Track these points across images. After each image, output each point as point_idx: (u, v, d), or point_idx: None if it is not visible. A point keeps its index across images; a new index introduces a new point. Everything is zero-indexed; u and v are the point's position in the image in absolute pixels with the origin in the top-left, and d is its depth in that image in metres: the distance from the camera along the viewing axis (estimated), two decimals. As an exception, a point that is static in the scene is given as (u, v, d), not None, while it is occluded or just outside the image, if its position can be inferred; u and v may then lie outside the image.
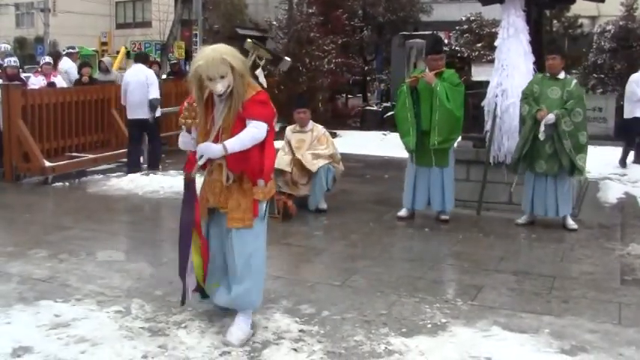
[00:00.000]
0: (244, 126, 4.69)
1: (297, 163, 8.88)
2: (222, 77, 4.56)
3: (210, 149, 4.66)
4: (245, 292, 4.89)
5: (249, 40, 5.23)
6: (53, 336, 4.89)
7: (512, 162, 8.21)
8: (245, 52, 4.99)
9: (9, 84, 11.34)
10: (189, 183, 4.90)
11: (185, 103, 4.77)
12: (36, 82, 12.78)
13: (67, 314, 5.27)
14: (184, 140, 4.94)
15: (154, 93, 11.74)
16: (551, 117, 7.79)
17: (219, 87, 4.59)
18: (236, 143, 4.64)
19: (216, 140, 4.72)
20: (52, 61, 13.75)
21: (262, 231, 4.99)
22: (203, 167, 4.82)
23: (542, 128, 7.79)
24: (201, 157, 4.71)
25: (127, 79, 11.95)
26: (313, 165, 8.75)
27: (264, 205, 4.93)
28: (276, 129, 15.76)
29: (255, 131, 4.68)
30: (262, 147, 4.79)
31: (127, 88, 11.77)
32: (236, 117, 4.70)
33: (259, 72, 5.12)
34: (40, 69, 13.54)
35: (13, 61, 12.20)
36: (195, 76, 4.61)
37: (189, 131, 4.85)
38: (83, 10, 45.41)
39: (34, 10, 48.99)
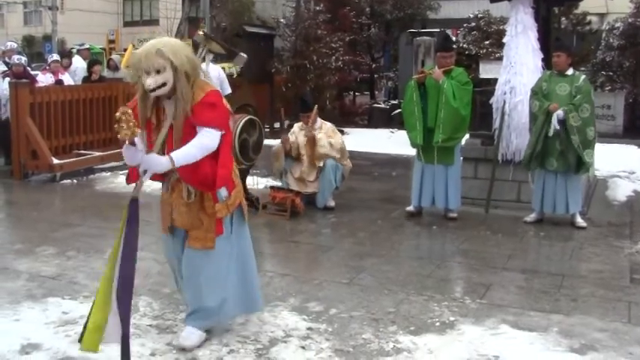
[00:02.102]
0: (195, 133, 4.23)
1: (311, 141, 8.83)
2: (158, 72, 4.07)
3: (154, 162, 4.11)
4: (202, 312, 4.66)
5: (200, 32, 5.10)
6: (61, 333, 4.90)
7: (525, 159, 8.16)
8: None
9: (17, 82, 11.36)
10: (131, 203, 4.21)
11: (118, 112, 3.87)
12: (44, 79, 12.79)
13: (75, 311, 5.27)
14: (129, 155, 4.11)
15: (228, 89, 12.20)
16: (560, 113, 7.76)
17: (149, 81, 4.06)
18: (184, 155, 4.13)
19: (164, 152, 4.26)
20: (60, 59, 13.76)
21: (227, 249, 4.61)
22: (159, 179, 4.43)
23: (554, 120, 7.75)
24: (145, 171, 4.17)
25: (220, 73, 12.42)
26: (324, 148, 8.74)
27: (229, 219, 4.55)
28: (285, 126, 15.74)
29: (204, 140, 4.18)
30: (215, 155, 4.27)
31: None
32: (184, 123, 4.22)
33: (204, 65, 4.65)
34: (48, 67, 13.56)
35: (18, 59, 12.21)
36: (134, 71, 4.16)
37: (132, 143, 4.00)
38: (91, 8, 45.47)
39: (42, 7, 48.97)
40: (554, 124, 7.77)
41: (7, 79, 11.72)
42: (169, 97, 4.24)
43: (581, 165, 7.90)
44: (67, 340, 4.75)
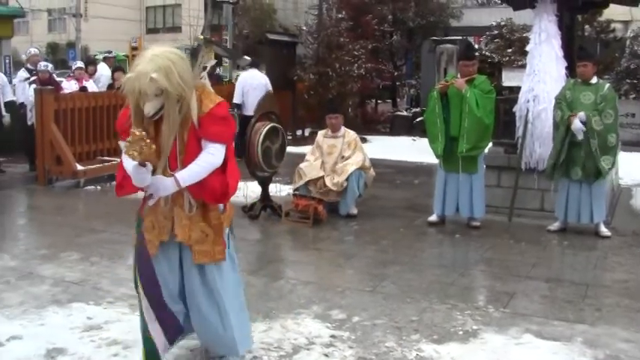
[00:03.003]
0: (200, 145, 4.01)
1: (329, 169, 8.93)
2: (157, 96, 3.80)
3: (161, 187, 3.91)
4: (230, 337, 4.32)
5: (200, 36, 4.97)
6: (86, 338, 4.93)
7: (548, 169, 8.12)
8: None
9: (42, 88, 11.47)
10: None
11: (130, 135, 3.73)
12: (68, 86, 12.89)
13: (100, 317, 5.31)
14: (139, 177, 3.89)
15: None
16: (582, 115, 7.71)
17: (148, 108, 3.83)
18: (189, 174, 3.94)
19: (173, 164, 4.02)
20: (84, 66, 13.88)
21: (231, 264, 4.37)
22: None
23: (576, 124, 7.70)
24: (151, 196, 4.03)
25: (247, 81, 14.02)
26: (344, 175, 8.79)
27: (227, 230, 4.29)
28: (306, 134, 15.82)
29: (210, 158, 3.98)
30: (223, 167, 4.08)
31: (244, 89, 13.80)
32: (189, 134, 3.99)
33: (205, 76, 4.34)
34: (72, 74, 13.67)
35: (44, 65, 12.32)
36: (130, 95, 3.87)
37: (143, 164, 3.81)
38: (114, 15, 45.78)
39: (66, 15, 49.44)
40: (578, 127, 7.71)
41: (33, 86, 11.83)
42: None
43: (599, 172, 7.84)
44: (92, 346, 4.79)
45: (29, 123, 12.06)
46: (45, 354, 4.67)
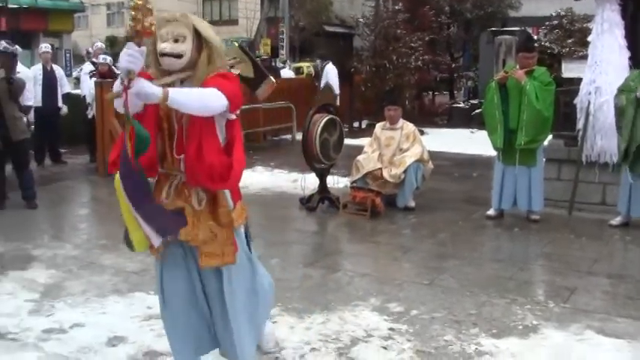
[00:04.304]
0: (207, 123, 3.50)
1: (387, 161, 8.91)
2: (177, 41, 3.46)
3: (146, 86, 3.17)
4: (239, 343, 3.85)
5: (235, 42, 4.72)
6: (146, 327, 5.01)
7: (621, 154, 7.88)
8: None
9: (102, 81, 11.65)
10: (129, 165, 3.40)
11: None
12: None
13: (159, 307, 5.38)
14: (134, 57, 3.17)
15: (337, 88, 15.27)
16: None
17: (165, 45, 3.45)
18: (180, 91, 3.35)
19: (180, 148, 3.58)
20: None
21: (249, 265, 3.94)
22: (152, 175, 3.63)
23: None
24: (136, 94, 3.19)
25: (330, 73, 16.26)
26: (402, 167, 8.77)
27: (241, 230, 3.87)
28: (363, 126, 15.82)
29: (207, 91, 3.41)
30: (228, 149, 3.58)
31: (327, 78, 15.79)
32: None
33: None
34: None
35: (103, 58, 12.51)
36: (151, 40, 3.44)
37: (138, 44, 3.23)
38: (171, 8, 46.12)
39: (125, 9, 50.19)
40: None
41: (94, 79, 12.04)
42: (182, 81, 3.58)
43: None
44: (152, 334, 4.85)
45: (89, 115, 12.29)
46: (106, 342, 4.77)
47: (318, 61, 17.13)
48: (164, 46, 3.44)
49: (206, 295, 3.84)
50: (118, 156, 3.45)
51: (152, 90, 3.18)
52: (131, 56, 3.16)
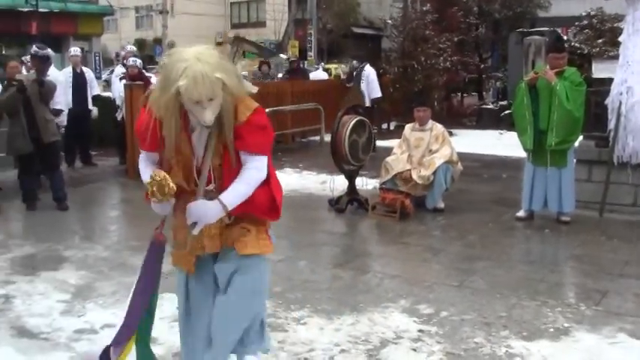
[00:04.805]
0: (238, 158, 3.41)
1: (416, 162, 8.90)
2: (211, 100, 3.18)
3: (208, 213, 3.32)
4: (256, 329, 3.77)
5: (229, 34, 4.51)
6: (176, 328, 4.95)
7: None
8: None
9: (132, 84, 11.72)
10: (157, 247, 3.69)
11: (149, 175, 3.35)
12: (156, 82, 13.13)
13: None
14: (163, 207, 3.45)
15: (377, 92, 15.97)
16: None
17: (209, 115, 3.20)
18: (234, 197, 3.36)
19: (210, 180, 3.45)
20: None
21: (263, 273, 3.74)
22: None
23: None
24: (194, 224, 3.37)
25: (371, 75, 16.15)
26: (431, 168, 8.75)
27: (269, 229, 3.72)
28: (391, 127, 15.78)
29: (255, 174, 3.42)
30: (267, 180, 3.51)
31: (368, 80, 15.84)
32: (226, 148, 3.40)
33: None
34: (160, 69, 13.92)
35: (133, 61, 12.59)
36: (171, 96, 3.18)
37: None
38: (199, 11, 46.57)
39: (153, 12, 50.59)
40: None
41: (123, 81, 12.13)
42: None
43: None
44: (182, 336, 4.87)
45: (119, 118, 12.38)
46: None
47: (354, 62, 16.85)
48: (208, 118, 3.20)
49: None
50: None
51: (213, 213, 3.33)
52: (164, 208, 3.43)
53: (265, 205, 3.51)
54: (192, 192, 3.46)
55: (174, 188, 3.32)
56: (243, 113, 3.32)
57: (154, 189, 3.31)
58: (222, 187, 3.42)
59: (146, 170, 3.50)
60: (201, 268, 3.68)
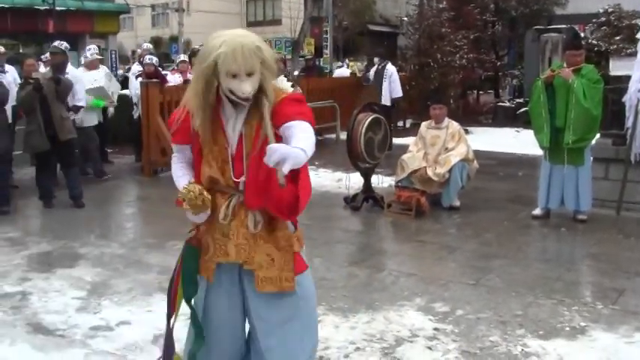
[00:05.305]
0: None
1: (432, 160, 8.87)
2: (249, 75, 3.01)
3: (291, 152, 2.72)
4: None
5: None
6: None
7: None
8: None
9: (148, 81, 11.75)
10: (194, 248, 3.41)
11: (183, 187, 3.19)
12: (173, 79, 13.15)
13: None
14: (199, 217, 3.27)
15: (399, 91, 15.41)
16: None
17: (248, 87, 3.01)
18: (306, 145, 2.87)
19: (238, 171, 3.19)
20: (187, 59, 14.17)
21: (313, 288, 3.43)
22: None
23: None
24: (279, 162, 2.69)
25: (394, 75, 15.54)
26: (447, 166, 8.72)
27: (302, 252, 3.33)
28: (407, 125, 15.78)
29: (308, 129, 3.06)
30: (295, 177, 3.03)
31: (390, 79, 15.27)
32: (256, 133, 3.13)
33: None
34: (176, 67, 13.97)
35: (149, 59, 12.62)
36: (207, 70, 3.02)
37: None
38: (215, 9, 46.62)
39: (169, 10, 50.69)
40: None
41: (139, 79, 12.16)
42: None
43: None
44: (198, 334, 4.88)
45: (135, 116, 12.42)
46: (152, 340, 4.82)
47: (376, 59, 16.60)
48: (247, 90, 3.03)
49: (246, 315, 3.43)
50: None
51: (297, 155, 2.73)
52: (198, 219, 3.26)
53: (286, 201, 3.09)
54: (224, 194, 3.25)
55: (209, 198, 3.16)
56: (278, 95, 3.13)
57: (186, 206, 3.16)
58: (249, 182, 3.15)
59: (180, 177, 3.36)
60: (224, 279, 3.35)
